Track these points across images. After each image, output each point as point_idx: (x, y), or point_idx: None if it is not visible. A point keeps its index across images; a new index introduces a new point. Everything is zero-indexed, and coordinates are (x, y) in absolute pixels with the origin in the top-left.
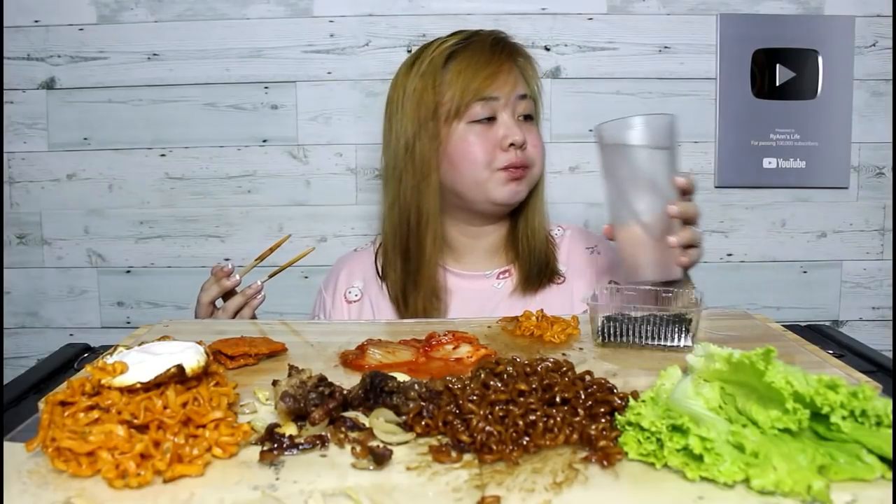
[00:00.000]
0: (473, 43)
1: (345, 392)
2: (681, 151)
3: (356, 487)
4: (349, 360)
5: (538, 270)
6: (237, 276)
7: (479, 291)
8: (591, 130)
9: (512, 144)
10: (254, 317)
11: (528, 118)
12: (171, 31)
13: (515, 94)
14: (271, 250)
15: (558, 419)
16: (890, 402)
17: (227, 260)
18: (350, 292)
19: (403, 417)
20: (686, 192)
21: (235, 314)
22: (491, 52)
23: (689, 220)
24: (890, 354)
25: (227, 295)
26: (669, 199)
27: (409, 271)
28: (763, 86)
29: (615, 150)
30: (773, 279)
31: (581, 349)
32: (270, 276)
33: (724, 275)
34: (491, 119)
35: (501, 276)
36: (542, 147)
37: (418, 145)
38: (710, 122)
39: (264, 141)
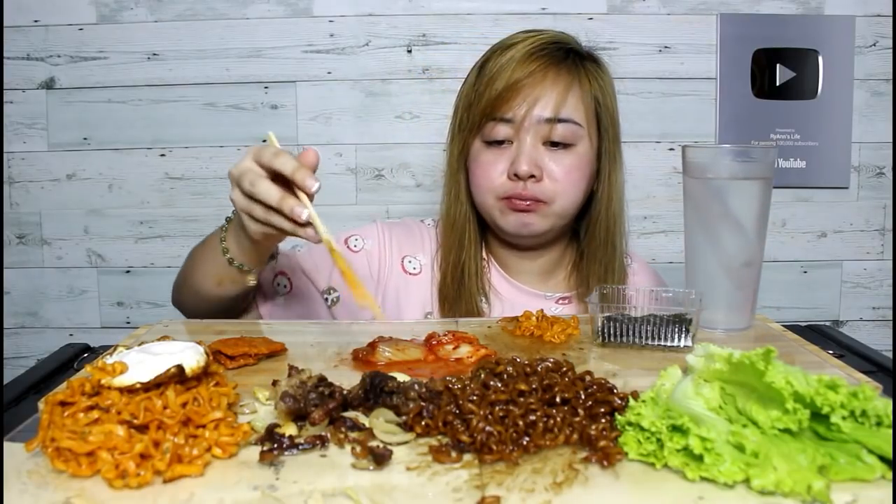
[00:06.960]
0: (512, 48)
1: (345, 392)
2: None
3: (356, 487)
4: (360, 357)
5: None
6: (322, 231)
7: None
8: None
9: (517, 174)
10: (273, 255)
11: (563, 145)
12: (170, 30)
13: (536, 117)
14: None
15: (558, 419)
16: (890, 402)
17: None
18: (409, 262)
19: (403, 417)
20: None
21: (264, 236)
22: (519, 63)
23: None
24: (890, 354)
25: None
26: (758, 243)
27: (457, 264)
28: (763, 86)
29: (705, 182)
30: (773, 279)
31: (581, 349)
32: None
33: None
34: (511, 141)
35: (561, 302)
36: (578, 179)
37: (449, 151)
38: (710, 122)
39: (264, 141)
